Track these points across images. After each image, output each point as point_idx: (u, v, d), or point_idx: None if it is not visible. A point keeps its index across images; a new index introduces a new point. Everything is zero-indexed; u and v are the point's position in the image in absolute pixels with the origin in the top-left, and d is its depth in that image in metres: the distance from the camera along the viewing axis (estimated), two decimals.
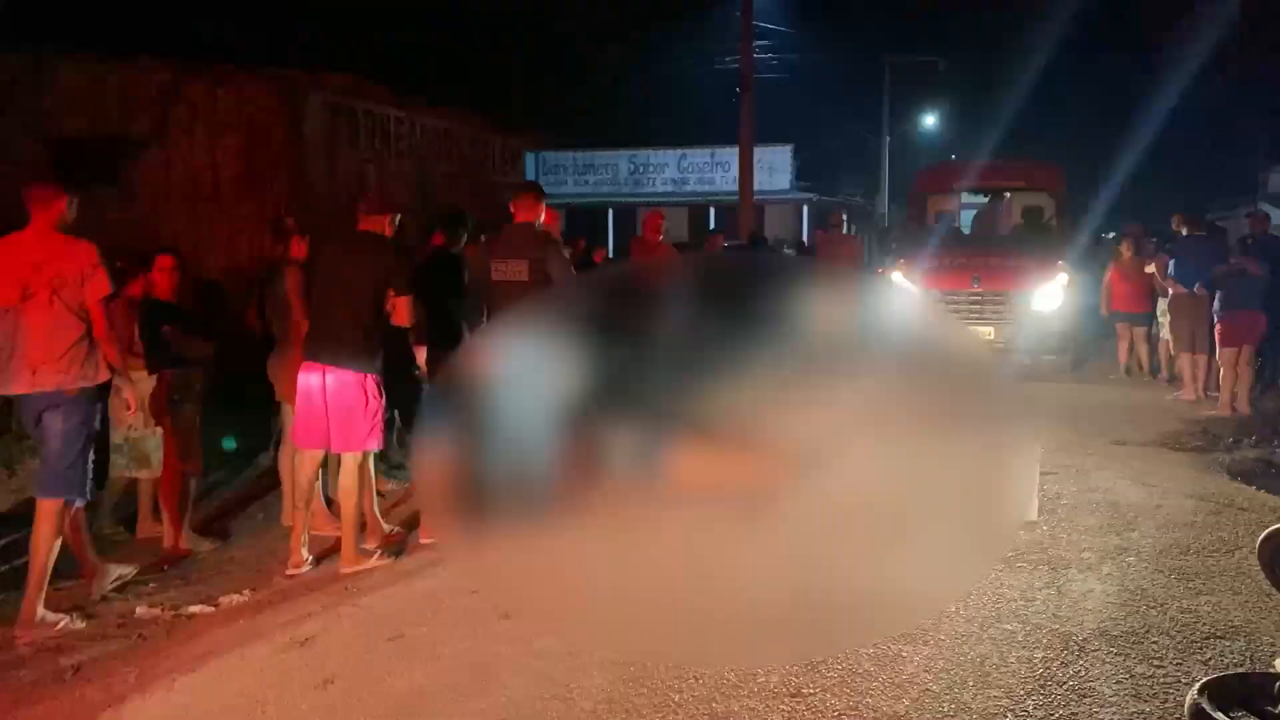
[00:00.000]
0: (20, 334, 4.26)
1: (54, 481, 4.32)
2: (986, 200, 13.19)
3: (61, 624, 4.29)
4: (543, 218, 5.79)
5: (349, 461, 5.03)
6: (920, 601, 4.30)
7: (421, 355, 5.77)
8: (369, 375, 4.92)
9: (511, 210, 5.74)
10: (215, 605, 4.56)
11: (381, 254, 5.07)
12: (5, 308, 4.28)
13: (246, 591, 4.71)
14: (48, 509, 4.29)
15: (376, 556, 5.08)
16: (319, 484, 5.28)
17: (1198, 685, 2.88)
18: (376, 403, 4.96)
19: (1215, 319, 8.65)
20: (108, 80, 11.57)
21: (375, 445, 5.17)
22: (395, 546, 5.32)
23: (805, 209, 25.28)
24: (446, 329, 5.90)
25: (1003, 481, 5.07)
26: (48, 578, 4.29)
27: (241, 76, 11.78)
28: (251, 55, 13.40)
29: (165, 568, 5.14)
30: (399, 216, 5.31)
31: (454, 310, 6.01)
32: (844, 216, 20.98)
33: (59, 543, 4.32)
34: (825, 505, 4.34)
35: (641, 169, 25.81)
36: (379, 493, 6.15)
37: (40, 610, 4.27)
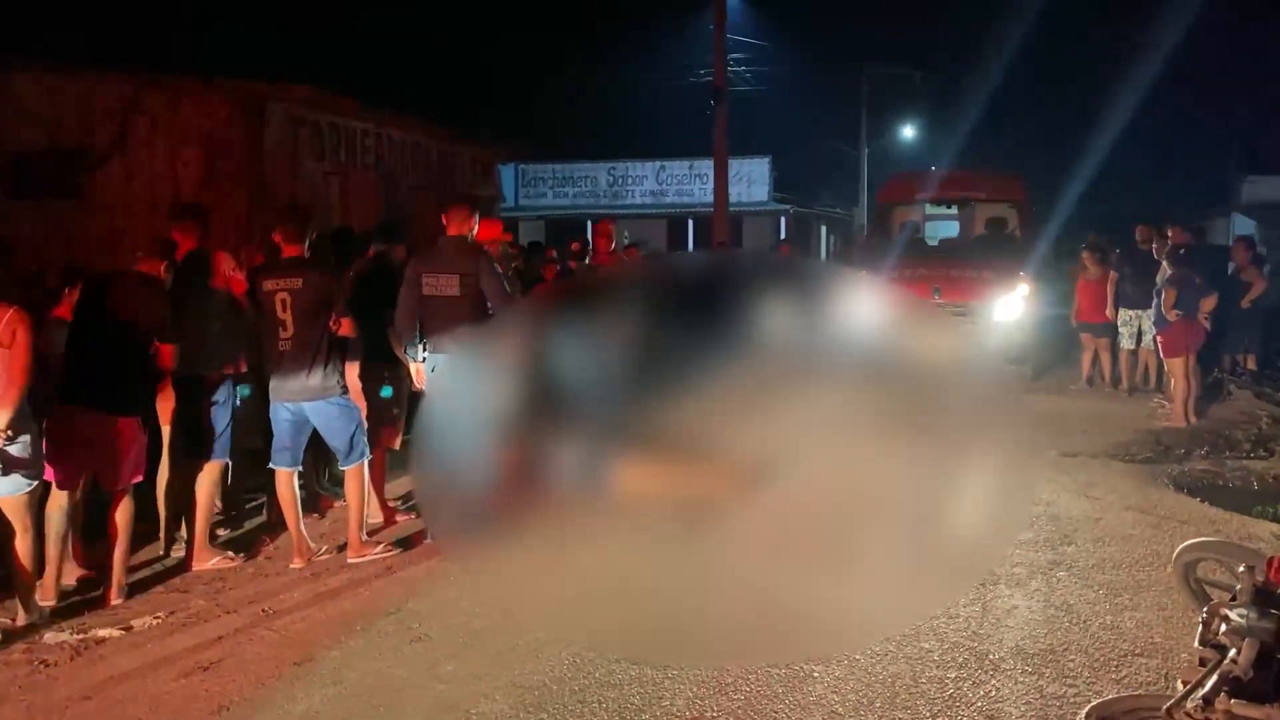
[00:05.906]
0: None
1: None
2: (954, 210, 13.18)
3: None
4: (476, 231, 5.72)
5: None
6: (877, 621, 4.18)
7: (354, 371, 5.70)
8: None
9: (444, 223, 5.67)
10: (128, 629, 4.46)
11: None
12: None
13: (161, 614, 4.61)
14: None
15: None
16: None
17: (1085, 710, 2.82)
18: None
19: (1155, 329, 8.64)
20: (66, 92, 11.48)
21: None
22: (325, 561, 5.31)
23: (783, 220, 25.30)
24: (381, 342, 5.83)
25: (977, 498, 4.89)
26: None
27: (202, 88, 11.70)
28: (212, 67, 13.30)
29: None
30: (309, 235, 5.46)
31: (387, 324, 5.92)
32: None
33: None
34: (776, 518, 4.25)
35: (620, 181, 25.78)
36: (318, 510, 6.12)
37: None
